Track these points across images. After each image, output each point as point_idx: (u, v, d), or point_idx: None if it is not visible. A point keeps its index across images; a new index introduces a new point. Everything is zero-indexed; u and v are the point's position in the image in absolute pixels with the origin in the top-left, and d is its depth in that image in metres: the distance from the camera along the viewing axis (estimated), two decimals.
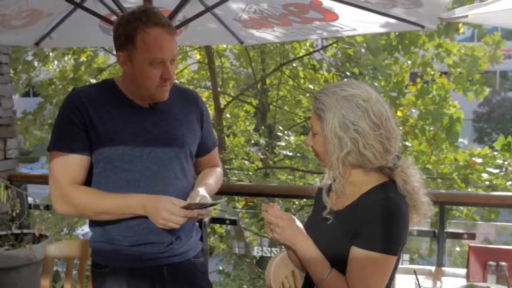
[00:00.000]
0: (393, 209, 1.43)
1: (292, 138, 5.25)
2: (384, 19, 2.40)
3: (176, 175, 1.80)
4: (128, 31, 1.65)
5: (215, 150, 2.05)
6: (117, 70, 6.53)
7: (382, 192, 1.47)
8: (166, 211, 1.63)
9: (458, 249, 4.05)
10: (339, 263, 1.47)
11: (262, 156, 5.16)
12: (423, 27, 2.41)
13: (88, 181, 1.76)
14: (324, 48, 5.94)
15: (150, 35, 1.64)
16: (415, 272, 1.70)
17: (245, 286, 5.77)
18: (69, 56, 6.31)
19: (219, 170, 2.03)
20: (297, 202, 5.24)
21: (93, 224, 1.81)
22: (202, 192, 1.76)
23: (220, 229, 6.75)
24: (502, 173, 4.43)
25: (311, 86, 6.56)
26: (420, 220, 1.52)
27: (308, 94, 7.23)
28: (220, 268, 6.76)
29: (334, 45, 5.71)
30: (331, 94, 1.47)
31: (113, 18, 2.54)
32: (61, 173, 1.71)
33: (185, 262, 1.84)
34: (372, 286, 1.44)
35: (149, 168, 1.75)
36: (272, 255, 3.83)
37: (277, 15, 2.70)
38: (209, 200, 1.75)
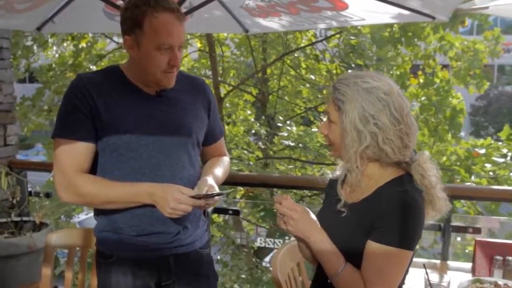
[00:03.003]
0: (411, 203, 1.40)
1: (294, 128, 5.22)
2: (397, 10, 2.35)
3: (183, 164, 1.77)
4: (136, 15, 1.62)
5: (222, 139, 2.02)
6: (117, 58, 6.48)
7: (399, 186, 1.44)
8: (174, 200, 1.60)
9: (459, 238, 4.05)
10: (354, 257, 1.44)
11: (262, 146, 5.13)
12: (434, 18, 2.37)
13: (92, 169, 1.73)
14: (327, 38, 5.89)
15: (159, 20, 1.60)
16: (424, 266, 1.68)
17: (243, 276, 5.77)
18: (68, 42, 6.24)
19: (226, 159, 2.00)
20: (297, 192, 5.22)
21: (98, 213, 1.78)
22: (210, 182, 1.73)
23: (217, 218, 6.74)
24: (505, 164, 4.42)
25: (312, 77, 6.52)
26: (435, 215, 1.49)
27: (308, 85, 7.20)
28: (218, 257, 6.77)
29: (337, 35, 5.66)
30: (352, 85, 1.43)
31: (119, 2, 2.48)
32: (66, 161, 1.67)
33: (192, 252, 1.82)
34: (388, 281, 1.42)
35: (155, 157, 1.72)
36: (271, 245, 3.83)
37: (285, 3, 2.65)
38: (216, 189, 1.72)
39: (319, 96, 6.74)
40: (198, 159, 1.88)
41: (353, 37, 5.00)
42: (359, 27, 4.94)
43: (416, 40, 5.34)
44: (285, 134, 5.27)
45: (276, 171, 6.19)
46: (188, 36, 7.56)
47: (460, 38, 5.84)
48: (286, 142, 5.11)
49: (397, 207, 1.40)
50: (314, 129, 6.59)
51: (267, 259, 6.76)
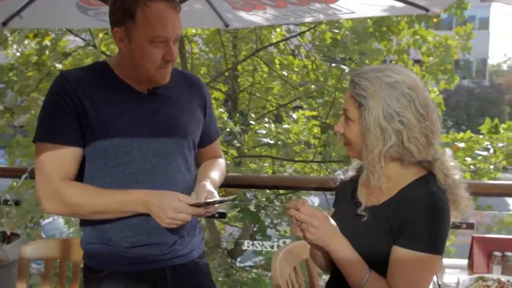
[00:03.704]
0: (439, 205, 1.32)
1: (272, 126, 5.12)
2: (390, 2, 2.28)
3: (179, 168, 1.64)
4: (128, 5, 1.47)
5: (217, 140, 1.89)
6: (82, 56, 6.19)
7: (424, 187, 1.35)
8: (173, 209, 1.47)
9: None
10: (378, 264, 1.35)
11: (238, 145, 5.02)
12: (428, 10, 2.31)
13: (78, 176, 1.57)
14: (302, 33, 5.81)
15: (153, 10, 1.46)
16: None
17: (220, 279, 5.64)
18: (29, 40, 5.93)
19: (222, 161, 1.87)
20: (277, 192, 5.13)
21: (85, 223, 1.62)
22: (209, 187, 1.60)
23: None
24: (483, 157, 4.47)
25: (284, 73, 6.43)
26: (458, 215, 1.41)
27: (277, 81, 7.11)
28: None
29: (311, 30, 5.59)
30: (373, 79, 1.33)
31: None
32: (52, 168, 1.51)
33: (189, 263, 1.69)
34: (417, 287, 1.33)
35: (150, 161, 1.57)
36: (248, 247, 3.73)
37: None
38: (216, 195, 1.59)
39: (292, 92, 6.67)
40: (193, 162, 1.75)
41: (336, 31, 4.93)
42: (340, 21, 4.89)
43: (390, 34, 5.33)
44: (264, 132, 5.17)
45: (249, 170, 6.08)
46: None
47: (432, 33, 5.90)
48: (265, 140, 5.00)
49: (426, 209, 1.31)
50: (286, 126, 6.53)
51: (240, 259, 6.66)
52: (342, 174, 1.61)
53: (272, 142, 5.00)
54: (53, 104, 1.53)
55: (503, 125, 4.77)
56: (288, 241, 3.46)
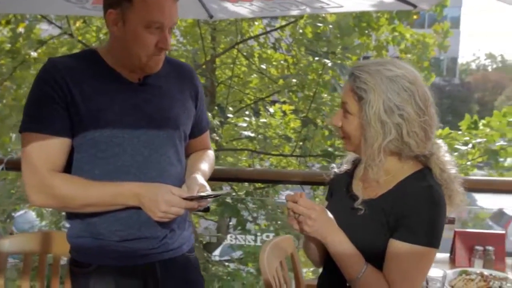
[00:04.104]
0: (437, 199, 1.33)
1: (253, 119, 5.09)
2: None
3: (171, 160, 1.60)
4: None
5: (207, 131, 1.86)
6: (56, 44, 6.02)
7: (422, 180, 1.36)
8: (166, 203, 1.44)
9: None
10: (374, 257, 1.34)
11: (217, 138, 4.97)
12: (415, 6, 2.33)
13: (66, 168, 1.52)
14: (283, 27, 5.78)
15: None
16: None
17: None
18: (1, 27, 5.72)
19: (211, 153, 1.84)
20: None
21: (72, 216, 1.57)
22: (201, 180, 1.58)
23: None
24: (460, 154, 4.55)
25: (263, 66, 6.40)
26: (451, 210, 1.43)
27: (255, 75, 7.07)
28: None
29: (292, 24, 5.57)
30: (374, 73, 1.32)
31: None
32: (39, 159, 1.45)
33: (179, 257, 1.65)
34: (414, 281, 1.34)
35: (141, 153, 1.53)
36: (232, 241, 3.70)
37: None
38: (208, 189, 1.56)
39: (270, 86, 6.65)
40: (184, 154, 1.71)
41: (320, 24, 4.93)
42: (324, 15, 4.88)
43: (370, 30, 5.37)
44: (244, 125, 5.13)
45: (226, 164, 6.03)
46: None
47: (410, 31, 5.97)
48: (246, 133, 4.97)
49: (425, 203, 1.32)
50: (263, 120, 6.51)
51: (216, 252, 6.65)
52: (337, 167, 1.61)
53: (253, 135, 4.98)
54: (40, 92, 1.47)
55: (483, 121, 4.86)
56: (271, 235, 3.46)
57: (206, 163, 1.74)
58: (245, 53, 6.16)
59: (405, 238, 1.31)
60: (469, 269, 2.12)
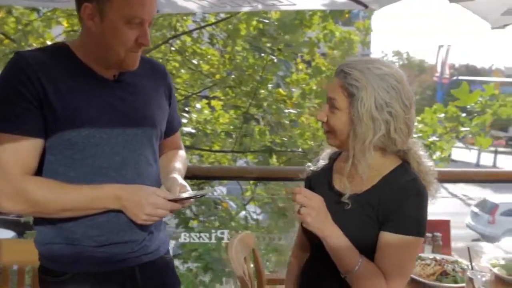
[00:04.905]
0: (422, 191, 1.41)
1: (194, 115, 5.00)
2: None
3: (148, 161, 1.55)
4: None
5: (179, 131, 1.81)
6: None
7: (406, 175, 1.43)
8: (151, 205, 1.40)
9: None
10: (365, 250, 1.39)
11: None
12: (366, 6, 2.41)
13: (37, 171, 1.42)
14: (217, 22, 5.73)
15: None
16: (468, 250, 1.81)
17: None
18: None
19: (183, 153, 1.80)
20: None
21: (42, 222, 1.46)
22: (181, 181, 1.55)
23: None
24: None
25: (194, 62, 6.31)
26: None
27: (183, 70, 6.95)
28: None
29: (225, 20, 5.54)
30: (365, 70, 1.36)
31: None
32: (10, 162, 1.35)
33: (157, 260, 1.61)
34: (406, 269, 1.42)
35: (119, 153, 1.47)
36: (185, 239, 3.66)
37: None
38: (188, 188, 1.54)
39: (202, 82, 6.57)
40: (158, 154, 1.66)
41: (266, 20, 4.93)
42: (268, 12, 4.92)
43: (303, 28, 5.49)
44: (185, 121, 5.02)
45: None
46: (48, 14, 6.76)
47: (340, 29, 6.21)
48: (187, 129, 4.87)
49: (411, 196, 1.39)
50: (193, 115, 6.43)
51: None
52: (313, 164, 1.64)
53: (193, 131, 4.90)
54: (11, 89, 1.35)
55: (418, 118, 5.15)
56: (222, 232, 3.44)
57: (180, 163, 1.70)
58: (176, 49, 6.04)
59: (397, 230, 1.38)
60: (423, 255, 2.25)
